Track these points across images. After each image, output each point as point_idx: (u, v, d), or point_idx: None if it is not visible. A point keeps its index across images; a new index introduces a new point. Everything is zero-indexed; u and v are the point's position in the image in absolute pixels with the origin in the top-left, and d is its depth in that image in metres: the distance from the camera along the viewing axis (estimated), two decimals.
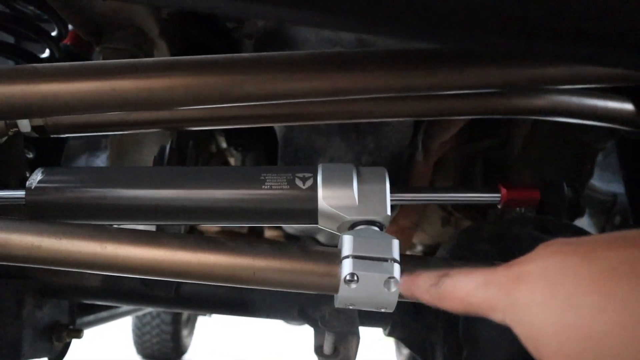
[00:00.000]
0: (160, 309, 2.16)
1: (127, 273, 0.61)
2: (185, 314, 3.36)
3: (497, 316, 0.38)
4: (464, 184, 1.43)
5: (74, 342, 1.02)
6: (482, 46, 0.65)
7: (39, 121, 0.72)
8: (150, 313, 3.18)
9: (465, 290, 0.41)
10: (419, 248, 1.99)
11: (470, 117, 0.89)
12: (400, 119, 0.91)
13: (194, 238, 0.61)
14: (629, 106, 0.83)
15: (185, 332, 3.51)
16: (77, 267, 0.62)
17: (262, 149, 1.40)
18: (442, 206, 1.56)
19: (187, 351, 3.65)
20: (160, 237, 0.61)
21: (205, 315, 3.23)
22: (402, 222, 1.34)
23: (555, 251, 0.34)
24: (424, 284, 0.47)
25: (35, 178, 0.67)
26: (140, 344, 3.34)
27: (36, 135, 0.75)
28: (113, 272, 0.62)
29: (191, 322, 3.65)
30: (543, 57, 0.67)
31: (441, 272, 0.45)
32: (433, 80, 0.66)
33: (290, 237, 1.58)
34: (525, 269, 0.36)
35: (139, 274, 0.61)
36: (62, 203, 0.67)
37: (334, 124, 1.09)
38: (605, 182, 1.39)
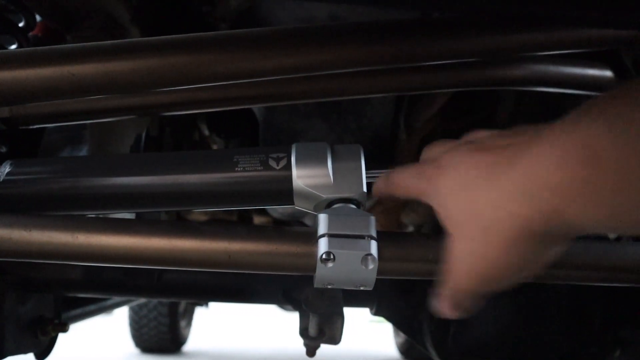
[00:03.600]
0: (144, 298, 2.16)
1: (101, 262, 0.60)
2: (182, 305, 3.36)
3: (426, 200, 0.49)
4: None
5: (72, 339, 1.01)
6: (459, 11, 0.64)
7: (4, 112, 0.71)
8: (146, 306, 3.18)
9: (403, 179, 0.53)
10: (411, 228, 1.99)
11: (449, 90, 0.88)
12: (379, 96, 0.89)
13: (166, 223, 0.60)
14: (607, 73, 0.82)
15: (183, 324, 3.51)
16: (50, 259, 0.61)
17: (245, 134, 1.38)
18: None
19: (185, 342, 3.66)
20: (132, 224, 0.59)
21: (201, 305, 3.23)
22: (388, 202, 1.33)
23: (465, 149, 0.45)
24: (382, 182, 0.59)
25: (4, 171, 0.65)
26: (138, 337, 3.34)
27: (3, 127, 0.74)
28: (86, 262, 0.61)
29: (189, 313, 3.66)
30: (521, 19, 0.66)
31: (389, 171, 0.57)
32: (407, 50, 0.65)
33: (278, 223, 1.57)
34: (445, 164, 0.47)
35: (113, 263, 0.60)
36: (33, 195, 0.65)
37: (314, 106, 1.07)
38: None
